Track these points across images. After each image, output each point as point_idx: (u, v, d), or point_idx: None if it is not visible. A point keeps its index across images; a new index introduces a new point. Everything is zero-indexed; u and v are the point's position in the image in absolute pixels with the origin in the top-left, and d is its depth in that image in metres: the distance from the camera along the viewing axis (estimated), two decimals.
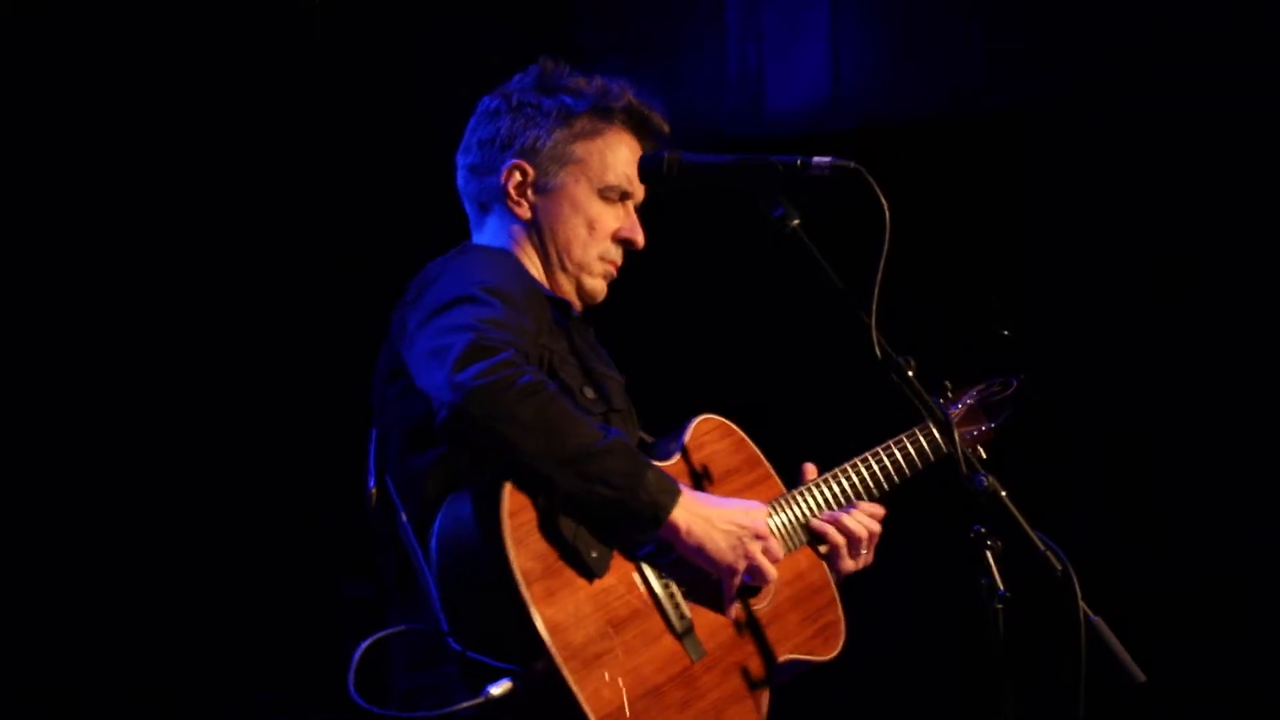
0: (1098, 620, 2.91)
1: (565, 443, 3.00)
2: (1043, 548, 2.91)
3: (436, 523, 3.08)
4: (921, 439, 3.63)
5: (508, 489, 3.00)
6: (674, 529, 3.11)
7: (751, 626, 3.28)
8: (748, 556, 3.18)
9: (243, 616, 5.66)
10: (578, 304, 3.49)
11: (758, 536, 3.20)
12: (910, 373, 3.08)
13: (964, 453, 2.99)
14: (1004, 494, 2.97)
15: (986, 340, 3.86)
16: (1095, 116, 5.74)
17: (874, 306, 3.05)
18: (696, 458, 3.38)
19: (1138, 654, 2.95)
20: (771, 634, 3.30)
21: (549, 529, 3.02)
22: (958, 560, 3.00)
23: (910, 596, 5.59)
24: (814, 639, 3.38)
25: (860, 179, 3.12)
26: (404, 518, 3.16)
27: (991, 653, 2.89)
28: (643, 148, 3.50)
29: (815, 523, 3.46)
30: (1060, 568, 2.90)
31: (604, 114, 3.46)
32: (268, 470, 5.59)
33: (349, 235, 5.63)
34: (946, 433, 3.04)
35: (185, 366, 5.57)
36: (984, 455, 3.81)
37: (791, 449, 3.59)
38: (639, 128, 3.50)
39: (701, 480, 3.36)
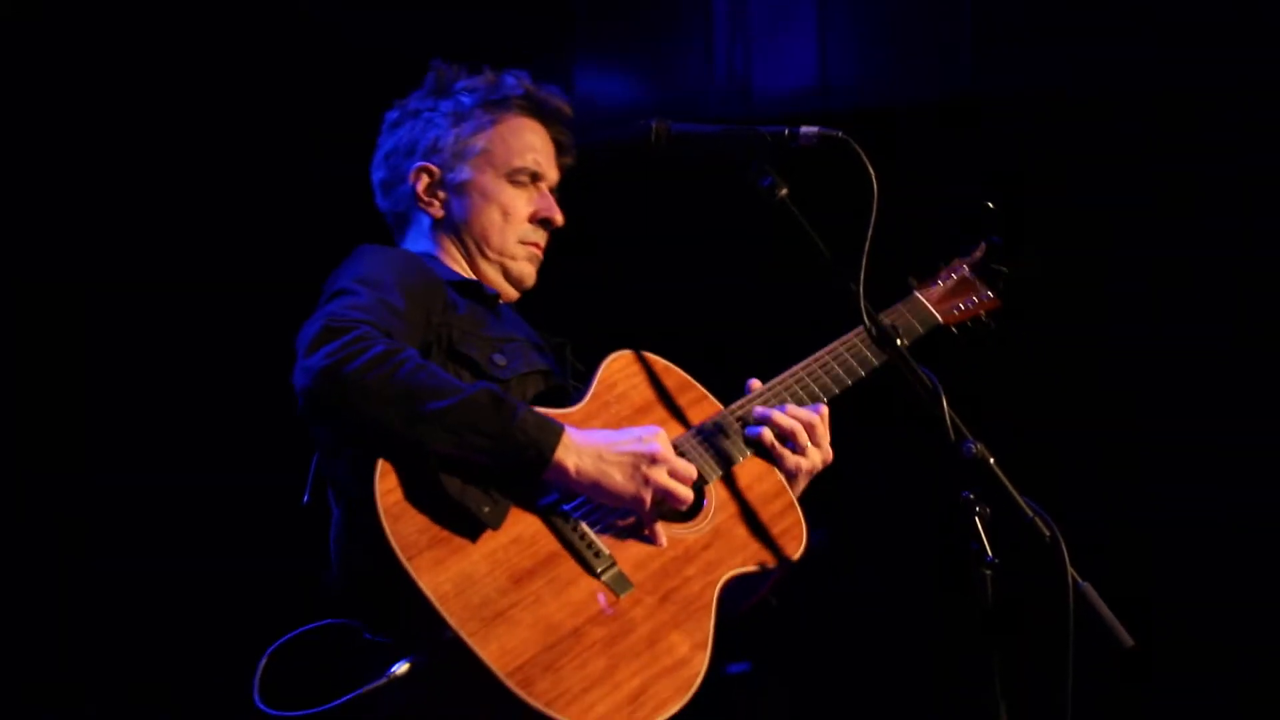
0: (1086, 586, 2.92)
1: (423, 401, 2.94)
2: (1031, 514, 2.92)
3: (333, 518, 3.12)
4: (862, 346, 3.57)
5: (380, 466, 2.95)
6: (562, 469, 3.05)
7: (687, 551, 3.19)
8: (649, 482, 3.10)
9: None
10: (510, 291, 3.52)
11: (655, 461, 3.10)
12: (901, 341, 3.11)
13: (952, 420, 2.99)
14: (992, 460, 2.97)
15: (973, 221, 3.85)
16: (1089, 101, 5.75)
17: (862, 275, 3.06)
18: (611, 394, 3.31)
19: (1128, 619, 2.94)
20: (712, 554, 3.21)
21: (431, 496, 2.97)
22: (946, 527, 3.01)
23: (896, 562, 5.58)
24: (766, 549, 3.28)
25: (848, 149, 3.14)
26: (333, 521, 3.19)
27: (980, 620, 2.88)
28: (548, 132, 3.56)
29: (750, 428, 3.38)
30: (1049, 534, 2.90)
31: (500, 104, 3.52)
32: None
33: None
34: (936, 401, 3.03)
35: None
36: (992, 325, 3.81)
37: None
38: (539, 111, 3.55)
39: (617, 418, 3.28)
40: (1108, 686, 4.75)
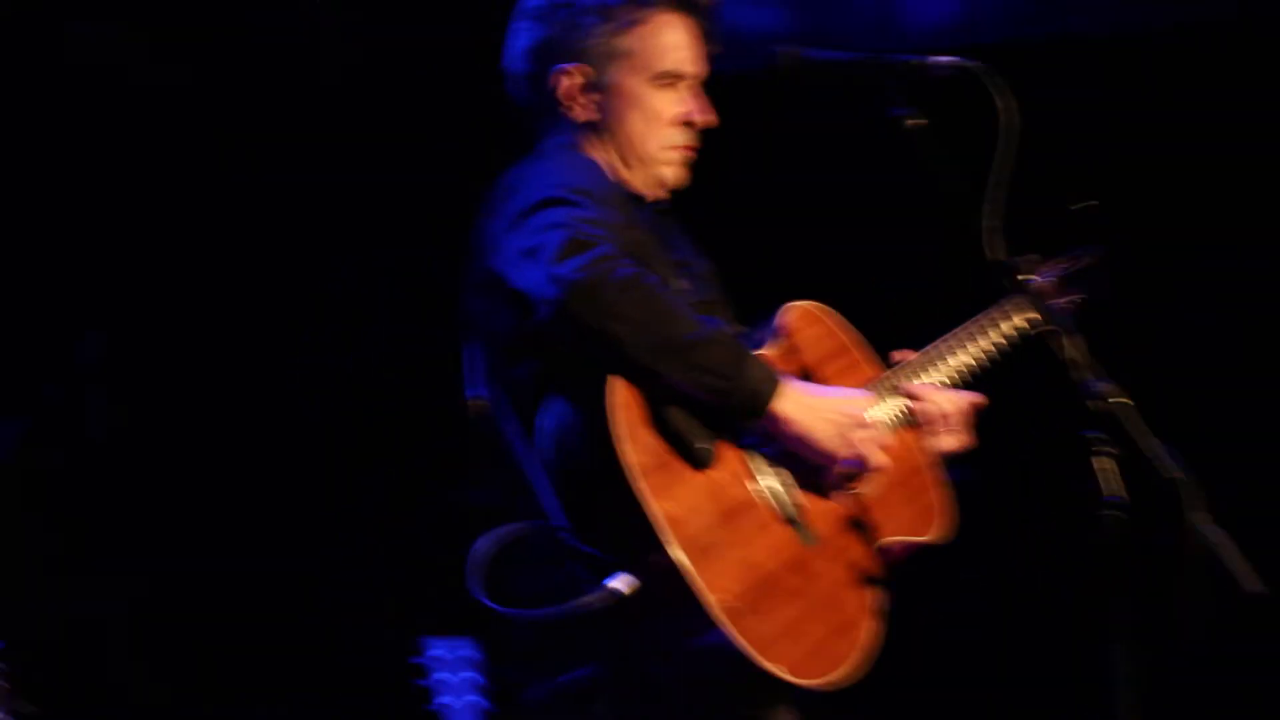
0: (1213, 530, 2.84)
1: (669, 333, 2.99)
2: (1155, 455, 2.85)
3: (547, 424, 3.08)
4: (1014, 314, 3.56)
5: (615, 383, 2.99)
6: (775, 418, 3.09)
7: (858, 512, 3.25)
8: (851, 444, 3.15)
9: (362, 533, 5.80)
10: (660, 194, 3.45)
11: (861, 425, 3.16)
12: (1027, 277, 3.05)
13: (1076, 359, 2.94)
14: (1119, 399, 2.91)
15: (1068, 217, 3.74)
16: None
17: (995, 207, 3.00)
18: (790, 344, 3.32)
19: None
20: (876, 517, 3.26)
21: (658, 421, 3.01)
22: (1068, 468, 2.95)
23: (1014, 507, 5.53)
24: (915, 519, 3.33)
25: (985, 78, 3.06)
26: (511, 425, 3.17)
27: (1102, 567, 2.83)
28: (694, 22, 3.42)
29: (908, 402, 3.40)
30: (1172, 475, 2.83)
31: (643, 2, 3.38)
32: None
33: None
34: (1071, 338, 2.97)
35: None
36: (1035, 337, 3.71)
37: (890, 341, 3.52)
38: (684, 4, 3.41)
39: (798, 366, 3.30)
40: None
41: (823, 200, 5.83)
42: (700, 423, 3.06)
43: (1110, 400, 2.90)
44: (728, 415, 3.08)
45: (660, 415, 3.02)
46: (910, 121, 3.11)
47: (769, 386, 3.07)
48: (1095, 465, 2.85)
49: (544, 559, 3.11)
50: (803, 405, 3.11)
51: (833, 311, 3.44)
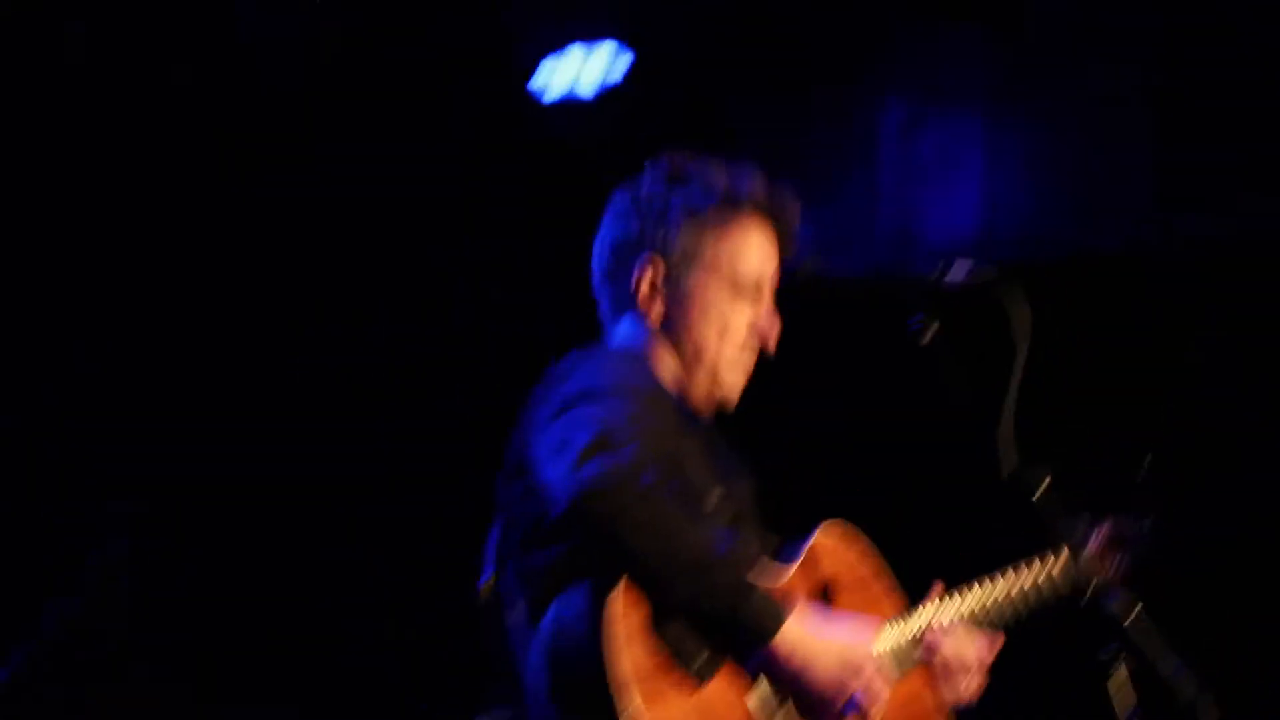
0: None
1: (679, 551, 2.98)
2: (1174, 673, 2.82)
3: (549, 615, 3.06)
4: (1056, 567, 3.48)
5: (622, 587, 2.98)
6: (776, 653, 3.05)
7: None
8: (850, 692, 3.10)
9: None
10: (714, 404, 3.44)
11: (860, 673, 3.11)
12: (1042, 488, 3.04)
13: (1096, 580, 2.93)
14: (1137, 614, 2.88)
15: (1121, 479, 3.73)
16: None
17: (1009, 420, 3.00)
18: (820, 566, 3.32)
19: None
20: None
21: (660, 629, 2.99)
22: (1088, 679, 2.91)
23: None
24: None
25: (1002, 287, 3.10)
26: (519, 611, 3.15)
27: None
28: (776, 233, 3.43)
29: (925, 643, 3.34)
30: (1191, 696, 2.80)
31: (733, 205, 3.40)
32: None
33: None
34: (1078, 556, 2.97)
35: None
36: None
37: (917, 566, 3.49)
38: (770, 214, 3.43)
39: (823, 590, 3.30)
40: None
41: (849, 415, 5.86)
42: (704, 636, 3.03)
43: (1128, 614, 2.89)
44: (728, 640, 3.05)
45: (665, 623, 3.00)
46: (929, 333, 3.14)
47: (773, 621, 3.04)
48: (1112, 682, 2.82)
49: None
50: (805, 645, 3.07)
51: (863, 535, 3.42)
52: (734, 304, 3.38)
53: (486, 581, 3.28)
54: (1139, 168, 5.90)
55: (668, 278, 3.38)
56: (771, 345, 3.43)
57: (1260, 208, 5.70)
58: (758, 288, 3.40)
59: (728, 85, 6.15)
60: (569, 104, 5.95)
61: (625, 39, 5.96)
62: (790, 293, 3.35)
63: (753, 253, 3.40)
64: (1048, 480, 3.19)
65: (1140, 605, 2.90)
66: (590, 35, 5.99)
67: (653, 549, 2.96)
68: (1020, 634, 3.43)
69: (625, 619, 2.96)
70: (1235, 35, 5.69)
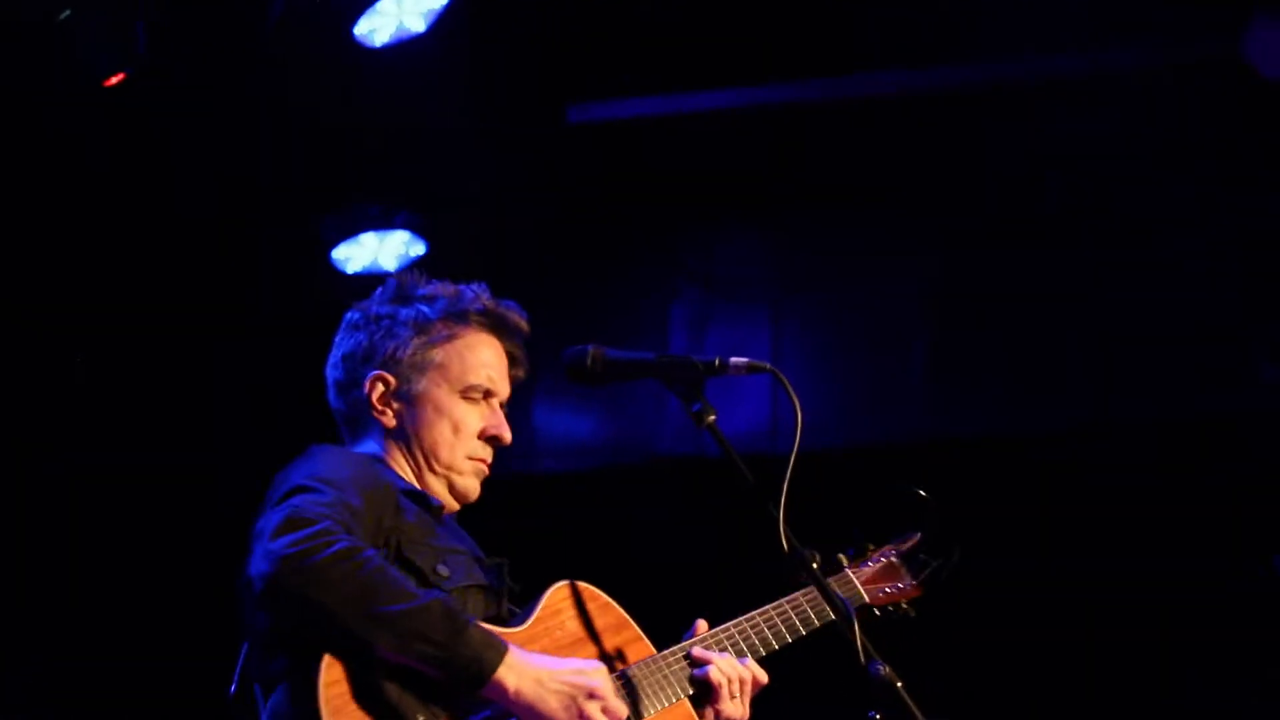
0: None
1: (379, 603, 2.98)
2: None
3: (272, 704, 3.08)
4: (807, 605, 3.58)
5: (325, 660, 2.98)
6: (501, 688, 3.05)
7: None
8: (583, 716, 3.11)
9: None
10: (452, 504, 3.52)
11: (592, 696, 3.12)
12: (815, 564, 3.13)
13: (862, 643, 3.00)
14: (900, 685, 2.96)
15: (903, 501, 3.88)
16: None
17: (783, 501, 3.11)
18: (552, 623, 3.32)
19: None
20: None
21: (370, 696, 2.99)
22: None
23: None
24: None
25: (776, 382, 3.26)
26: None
27: None
28: (503, 346, 3.59)
29: (695, 656, 3.39)
30: None
31: (459, 317, 3.55)
32: None
33: None
34: (848, 625, 3.03)
35: None
36: (911, 613, 3.79)
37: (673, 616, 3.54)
38: (497, 327, 3.59)
39: (556, 644, 3.29)
40: None
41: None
42: (420, 696, 3.03)
43: (891, 683, 2.96)
44: (449, 684, 3.03)
45: (375, 688, 2.99)
46: (708, 418, 3.27)
47: (493, 654, 3.04)
48: None
49: None
50: (529, 676, 3.08)
51: (600, 593, 3.43)
52: (465, 406, 3.51)
53: (231, 696, 3.30)
54: (915, 365, 6.16)
55: (399, 386, 3.50)
56: (505, 441, 3.54)
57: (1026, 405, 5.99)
58: (487, 393, 3.53)
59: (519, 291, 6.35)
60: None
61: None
62: (578, 378, 3.44)
63: (479, 362, 3.53)
64: (817, 556, 3.33)
65: (900, 681, 2.97)
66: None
67: (353, 606, 2.96)
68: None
69: (334, 688, 2.96)
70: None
